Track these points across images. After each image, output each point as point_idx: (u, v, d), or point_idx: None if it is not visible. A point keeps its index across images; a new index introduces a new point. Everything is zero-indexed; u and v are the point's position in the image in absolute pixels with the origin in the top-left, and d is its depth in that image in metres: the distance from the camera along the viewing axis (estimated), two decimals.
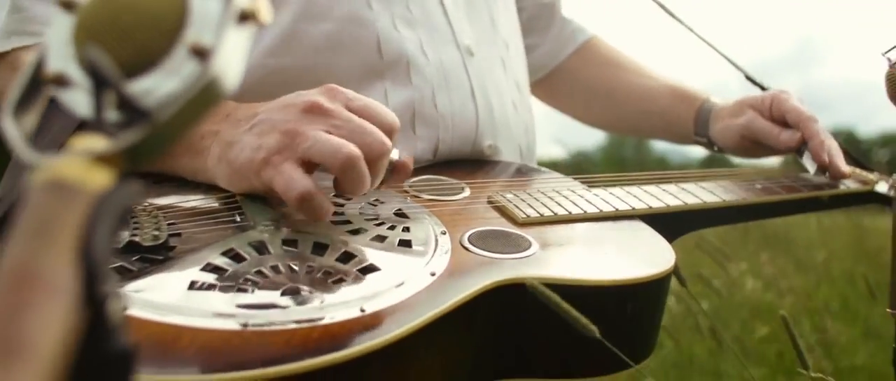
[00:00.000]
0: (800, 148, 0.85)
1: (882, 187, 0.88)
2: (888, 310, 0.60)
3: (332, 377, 0.43)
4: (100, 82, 0.27)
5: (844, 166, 0.83)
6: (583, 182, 0.80)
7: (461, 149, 0.81)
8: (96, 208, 0.24)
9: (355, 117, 0.57)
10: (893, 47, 0.56)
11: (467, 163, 0.82)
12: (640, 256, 0.63)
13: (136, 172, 0.26)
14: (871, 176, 0.90)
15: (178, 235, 0.55)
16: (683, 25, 0.97)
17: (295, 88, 0.66)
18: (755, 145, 0.90)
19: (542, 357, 0.59)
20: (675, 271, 0.64)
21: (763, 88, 0.93)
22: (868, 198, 0.89)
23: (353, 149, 0.55)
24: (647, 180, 0.82)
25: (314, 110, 0.57)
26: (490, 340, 0.56)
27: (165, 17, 0.28)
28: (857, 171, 0.91)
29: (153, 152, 0.26)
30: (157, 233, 0.53)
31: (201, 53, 0.27)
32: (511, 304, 0.55)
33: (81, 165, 0.25)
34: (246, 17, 0.28)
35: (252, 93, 0.66)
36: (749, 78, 0.93)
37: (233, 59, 0.27)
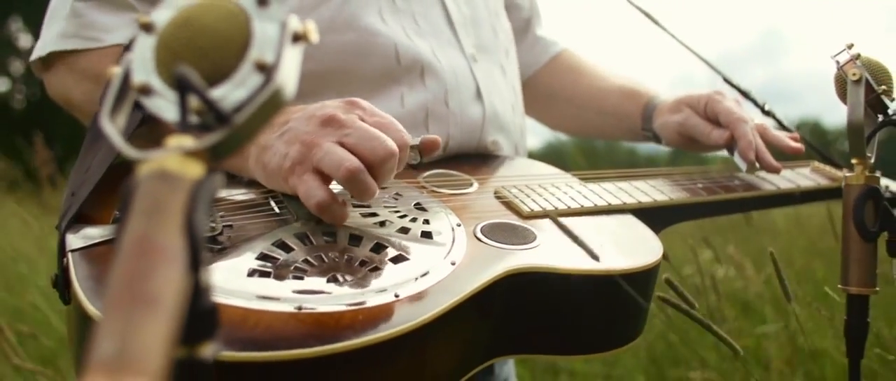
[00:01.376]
0: (731, 147, 0.90)
1: None
2: (840, 286, 0.66)
3: (374, 353, 0.50)
4: (184, 92, 0.33)
5: (774, 161, 0.88)
6: (588, 179, 0.87)
7: (468, 144, 0.89)
8: (194, 193, 0.30)
9: (365, 125, 0.62)
10: (841, 51, 0.63)
11: (473, 157, 0.89)
12: (632, 248, 0.70)
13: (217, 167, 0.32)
14: (840, 173, 0.96)
15: (231, 226, 0.62)
16: (659, 26, 1.04)
17: (323, 88, 0.71)
18: (691, 141, 0.96)
19: (547, 336, 0.65)
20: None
21: (740, 90, 0.99)
22: (837, 193, 0.95)
23: (353, 163, 0.60)
24: (636, 176, 0.89)
25: (330, 123, 0.62)
26: (503, 320, 0.62)
27: (234, 38, 0.34)
28: (827, 168, 0.98)
29: (231, 150, 0.32)
30: (213, 225, 0.60)
31: (264, 68, 0.34)
32: (521, 289, 0.62)
33: (178, 159, 0.31)
34: (298, 37, 0.35)
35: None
36: (727, 81, 1.00)
37: (291, 72, 0.34)
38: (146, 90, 0.35)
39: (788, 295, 0.71)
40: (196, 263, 0.30)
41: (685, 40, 1.02)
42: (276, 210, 0.66)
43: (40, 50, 0.78)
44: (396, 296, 0.54)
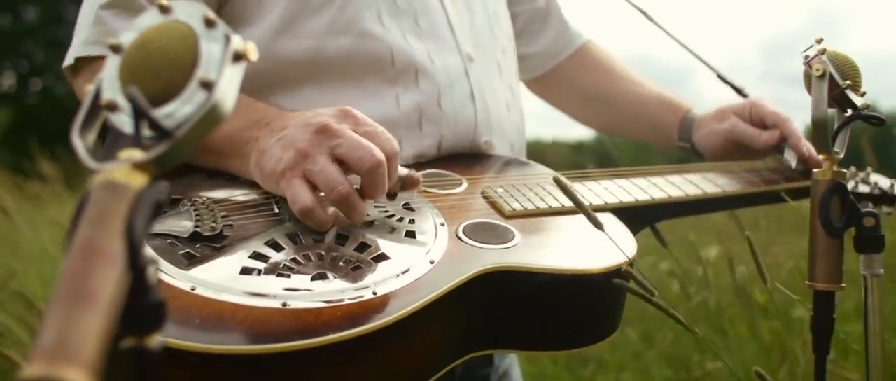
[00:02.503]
0: (779, 146, 0.94)
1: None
2: (806, 282, 0.65)
3: (351, 348, 0.54)
4: (137, 110, 0.37)
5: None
6: (573, 178, 0.88)
7: (461, 144, 0.91)
8: (136, 201, 0.34)
9: (354, 135, 0.66)
10: (810, 46, 0.62)
11: (466, 157, 0.91)
12: (604, 248, 0.71)
13: (166, 173, 0.36)
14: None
15: (231, 226, 0.66)
16: (654, 23, 1.04)
17: (324, 89, 0.79)
18: (737, 147, 0.99)
19: (521, 332, 0.68)
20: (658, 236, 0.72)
21: (737, 90, 1.02)
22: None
23: (345, 187, 0.64)
24: (622, 175, 0.90)
25: (323, 131, 0.66)
26: (478, 317, 0.65)
27: (184, 58, 0.38)
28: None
29: (174, 161, 0.36)
30: (214, 224, 0.65)
31: (208, 85, 0.37)
32: (495, 288, 0.64)
33: (126, 171, 0.35)
34: (239, 56, 0.38)
35: (291, 88, 0.83)
36: (721, 77, 1.02)
37: (230, 88, 0.37)
38: (112, 107, 0.39)
39: (764, 277, 0.72)
40: (135, 263, 0.33)
41: (682, 39, 1.03)
42: (276, 210, 0.70)
43: (68, 57, 0.83)
44: (374, 293, 0.58)
